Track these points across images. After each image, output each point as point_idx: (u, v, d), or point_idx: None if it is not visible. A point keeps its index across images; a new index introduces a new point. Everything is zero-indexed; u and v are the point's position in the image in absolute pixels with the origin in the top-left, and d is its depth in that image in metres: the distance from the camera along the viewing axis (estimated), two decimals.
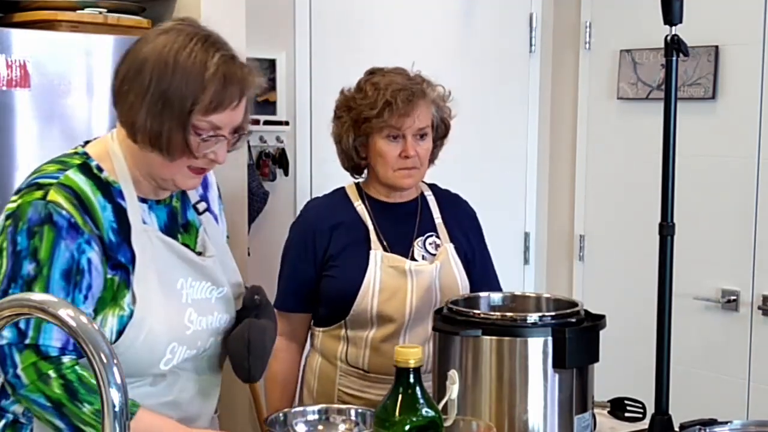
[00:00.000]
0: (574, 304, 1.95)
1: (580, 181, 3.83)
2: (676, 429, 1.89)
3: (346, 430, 1.88)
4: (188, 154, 1.73)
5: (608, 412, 2.12)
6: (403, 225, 2.38)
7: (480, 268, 2.45)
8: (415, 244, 2.36)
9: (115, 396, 1.07)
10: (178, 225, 1.87)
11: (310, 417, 1.90)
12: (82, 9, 2.69)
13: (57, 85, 2.54)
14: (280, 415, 1.88)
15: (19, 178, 2.46)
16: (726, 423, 1.88)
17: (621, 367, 3.19)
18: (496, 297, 2.11)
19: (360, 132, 2.33)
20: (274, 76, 3.37)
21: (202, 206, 1.94)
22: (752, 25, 3.27)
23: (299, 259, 2.36)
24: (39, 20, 2.64)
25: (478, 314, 1.90)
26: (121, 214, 1.76)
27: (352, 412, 1.92)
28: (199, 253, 1.88)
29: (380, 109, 2.28)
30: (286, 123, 3.42)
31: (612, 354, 2.19)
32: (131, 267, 1.74)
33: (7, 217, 1.70)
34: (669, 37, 1.87)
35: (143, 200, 1.81)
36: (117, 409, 1.07)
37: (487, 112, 3.75)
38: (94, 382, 1.45)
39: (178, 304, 1.79)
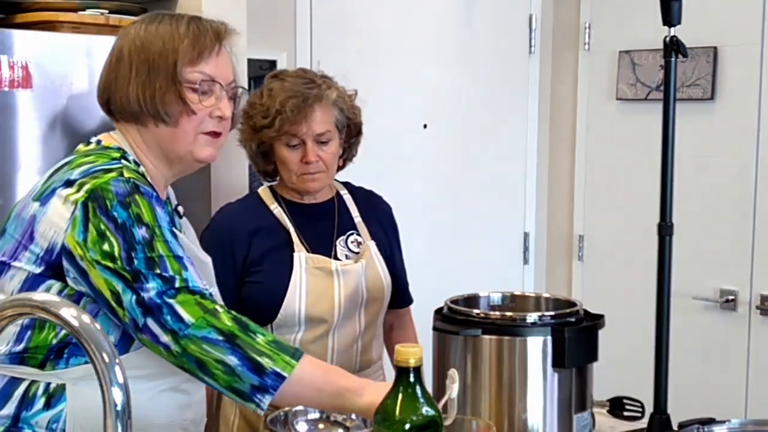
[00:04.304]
0: (573, 304, 1.96)
1: (580, 181, 3.83)
2: (675, 428, 1.90)
3: (347, 429, 1.88)
4: (188, 112, 1.75)
5: (607, 411, 2.12)
6: (322, 225, 2.36)
7: (396, 266, 2.44)
8: (336, 243, 2.35)
9: (117, 395, 1.08)
10: (176, 226, 1.88)
11: (311, 416, 1.90)
12: (84, 10, 2.69)
13: (59, 86, 2.54)
14: (281, 414, 1.88)
15: (21, 179, 2.47)
16: (724, 422, 1.88)
17: (620, 367, 3.20)
18: (495, 296, 2.12)
19: (261, 139, 2.31)
20: None
21: (181, 209, 1.93)
22: (751, 26, 3.28)
23: (216, 267, 2.21)
24: (40, 21, 2.65)
25: (478, 314, 1.90)
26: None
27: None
28: None
29: (272, 117, 2.26)
30: None
31: (611, 353, 2.19)
32: None
33: (86, 204, 1.63)
34: (668, 38, 1.88)
35: None
36: (119, 408, 1.08)
37: (487, 112, 3.75)
38: None
39: None
